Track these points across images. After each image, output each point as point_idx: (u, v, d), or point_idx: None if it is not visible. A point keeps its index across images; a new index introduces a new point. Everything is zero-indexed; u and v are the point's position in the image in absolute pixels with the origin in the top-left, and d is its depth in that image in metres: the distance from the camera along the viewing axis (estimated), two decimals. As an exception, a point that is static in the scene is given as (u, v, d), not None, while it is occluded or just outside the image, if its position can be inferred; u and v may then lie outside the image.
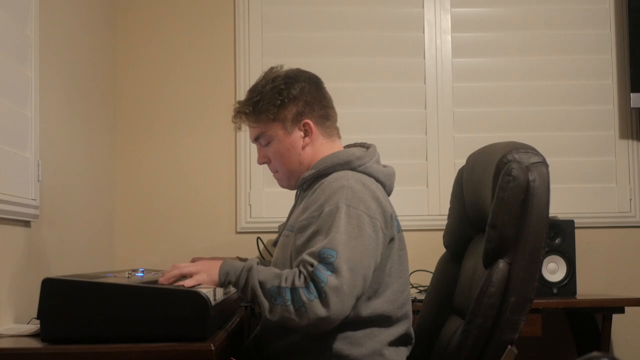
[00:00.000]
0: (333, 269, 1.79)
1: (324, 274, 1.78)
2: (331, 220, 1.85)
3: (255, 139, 2.13)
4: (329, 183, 1.94)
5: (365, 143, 2.13)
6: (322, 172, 2.02)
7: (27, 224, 2.23)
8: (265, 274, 1.84)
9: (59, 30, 2.58)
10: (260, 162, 2.17)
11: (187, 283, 1.81)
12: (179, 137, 3.46)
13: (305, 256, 1.83)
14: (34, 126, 2.26)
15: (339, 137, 2.15)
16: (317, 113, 2.09)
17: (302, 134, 2.07)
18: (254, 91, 2.10)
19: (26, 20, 2.25)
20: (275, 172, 2.16)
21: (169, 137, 3.46)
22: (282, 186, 2.18)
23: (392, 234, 1.97)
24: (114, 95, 3.40)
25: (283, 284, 1.80)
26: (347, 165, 2.00)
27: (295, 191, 2.18)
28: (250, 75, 3.44)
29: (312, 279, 1.78)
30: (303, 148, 2.08)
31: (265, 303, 1.81)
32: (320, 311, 1.76)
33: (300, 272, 1.81)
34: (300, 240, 1.90)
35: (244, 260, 1.94)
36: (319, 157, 2.07)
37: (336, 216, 1.85)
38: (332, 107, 2.14)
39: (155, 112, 3.47)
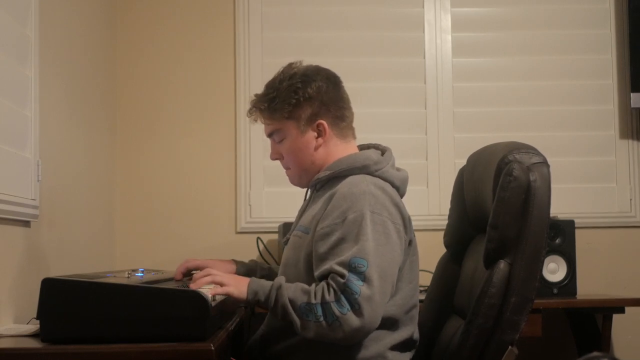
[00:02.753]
0: (364, 278, 1.78)
1: (356, 285, 1.77)
2: (357, 228, 1.84)
3: (270, 135, 2.12)
4: (348, 188, 1.92)
5: (379, 145, 2.11)
6: (337, 174, 2.01)
7: (26, 224, 2.22)
8: (293, 290, 1.83)
9: (59, 30, 2.58)
10: (273, 158, 2.15)
11: (217, 290, 1.82)
12: (179, 137, 3.46)
13: (335, 266, 1.81)
14: (34, 126, 2.25)
15: (354, 138, 2.13)
16: (332, 114, 2.06)
17: (315, 134, 2.05)
18: (271, 87, 2.08)
19: (26, 20, 2.24)
20: (287, 169, 2.14)
21: (169, 137, 3.45)
22: (293, 183, 2.16)
23: (410, 237, 1.98)
24: (114, 95, 3.40)
25: (313, 300, 1.79)
26: (364, 169, 1.98)
27: (302, 191, 2.18)
28: (250, 75, 3.44)
29: (344, 291, 1.77)
30: (316, 149, 2.05)
31: (297, 320, 1.80)
32: (355, 323, 1.76)
33: (329, 285, 1.79)
34: (323, 247, 1.87)
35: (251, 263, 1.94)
36: (332, 158, 2.05)
37: (362, 223, 1.84)
38: (348, 108, 2.11)
39: (155, 112, 3.47)
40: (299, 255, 1.97)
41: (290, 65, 2.11)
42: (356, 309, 1.76)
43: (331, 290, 1.78)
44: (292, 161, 2.09)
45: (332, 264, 1.82)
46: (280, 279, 1.88)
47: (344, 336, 1.77)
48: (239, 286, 1.87)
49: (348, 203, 1.88)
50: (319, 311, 1.77)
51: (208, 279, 1.86)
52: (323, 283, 1.81)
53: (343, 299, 1.76)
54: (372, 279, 1.78)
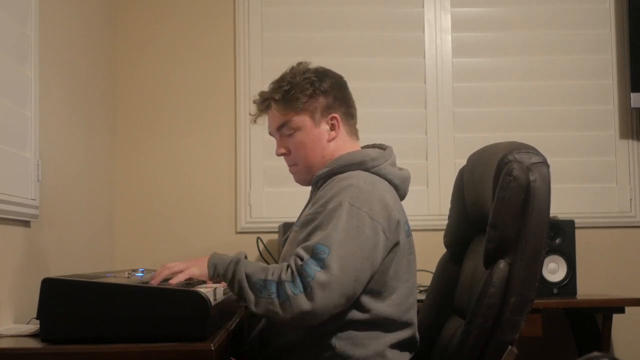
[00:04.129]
0: (323, 265, 1.79)
1: (313, 269, 1.79)
2: (331, 217, 1.86)
3: (279, 128, 2.09)
4: (338, 181, 1.94)
5: (383, 144, 2.12)
6: (335, 171, 2.02)
7: (27, 224, 2.23)
8: (252, 267, 1.85)
9: (59, 30, 2.58)
10: (279, 153, 2.13)
11: (180, 277, 1.82)
12: (179, 137, 3.46)
13: (299, 249, 1.84)
14: (34, 126, 2.25)
15: (358, 139, 2.15)
16: (344, 110, 2.09)
17: (328, 127, 2.07)
18: (283, 80, 2.08)
19: (26, 20, 2.25)
20: (292, 165, 2.13)
21: (169, 137, 3.46)
22: (298, 180, 2.15)
23: (396, 239, 1.95)
24: (114, 95, 3.40)
25: (269, 277, 1.81)
26: (360, 165, 2.00)
27: (302, 191, 2.18)
28: (250, 75, 3.44)
29: (300, 273, 1.79)
30: (328, 142, 2.07)
31: (251, 296, 1.81)
32: (305, 305, 1.77)
33: (288, 265, 1.82)
34: (302, 234, 1.91)
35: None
36: (340, 153, 2.06)
37: (336, 214, 1.86)
38: (355, 108, 2.15)
39: (155, 112, 3.47)
40: (294, 249, 1.98)
41: (299, 63, 2.13)
42: (308, 292, 1.77)
43: (289, 270, 1.81)
44: (301, 155, 2.08)
45: (297, 248, 1.85)
46: (240, 254, 1.90)
47: (291, 317, 1.79)
48: (199, 264, 1.88)
49: (332, 194, 1.91)
50: (273, 288, 1.79)
51: (166, 272, 1.85)
52: (284, 263, 1.85)
53: (298, 280, 1.78)
54: (331, 267, 1.79)
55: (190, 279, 1.87)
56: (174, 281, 1.81)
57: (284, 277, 1.79)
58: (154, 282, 1.81)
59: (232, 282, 1.85)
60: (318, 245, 1.81)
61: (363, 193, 1.90)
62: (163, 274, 1.85)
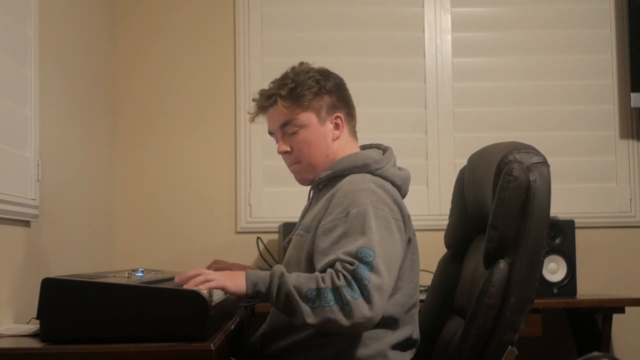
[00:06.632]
0: (372, 268, 1.77)
1: (367, 272, 1.75)
2: (361, 222, 1.84)
3: (282, 126, 2.07)
4: (349, 186, 1.93)
5: (381, 145, 2.12)
6: (338, 173, 2.02)
7: (27, 224, 2.23)
8: (297, 278, 1.79)
9: (59, 30, 2.58)
10: (282, 151, 2.09)
11: (211, 285, 1.76)
12: (179, 137, 3.46)
13: (342, 255, 1.79)
14: (34, 126, 2.25)
15: (357, 140, 2.15)
16: (346, 110, 2.10)
17: (332, 126, 2.07)
18: (287, 78, 2.07)
19: (26, 20, 2.25)
20: (294, 163, 2.10)
21: (169, 138, 3.45)
22: (299, 180, 2.13)
23: (409, 235, 1.98)
24: (114, 95, 3.40)
25: (322, 285, 1.75)
26: (364, 168, 1.99)
27: (302, 191, 2.18)
28: (250, 75, 3.44)
29: (354, 277, 1.75)
30: (333, 140, 2.07)
31: (305, 307, 1.76)
32: (365, 310, 1.74)
33: (338, 271, 1.77)
34: (325, 242, 1.87)
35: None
36: (344, 153, 2.06)
37: (366, 217, 1.84)
38: (355, 109, 2.15)
39: (155, 112, 3.47)
40: (301, 254, 1.97)
41: (301, 63, 2.13)
42: (365, 295, 1.74)
43: (340, 276, 1.76)
44: (305, 153, 2.06)
45: (338, 254, 1.80)
46: (280, 267, 1.83)
47: (351, 323, 1.74)
48: (235, 280, 1.81)
49: (350, 199, 1.89)
50: (330, 296, 1.74)
51: (201, 277, 1.78)
52: (330, 270, 1.79)
53: (354, 284, 1.74)
54: (379, 269, 1.77)
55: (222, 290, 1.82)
56: (204, 287, 1.73)
57: (338, 282, 1.75)
58: (188, 285, 1.74)
59: (279, 298, 1.78)
60: (361, 249, 1.79)
61: (379, 195, 1.91)
62: (199, 279, 1.77)
